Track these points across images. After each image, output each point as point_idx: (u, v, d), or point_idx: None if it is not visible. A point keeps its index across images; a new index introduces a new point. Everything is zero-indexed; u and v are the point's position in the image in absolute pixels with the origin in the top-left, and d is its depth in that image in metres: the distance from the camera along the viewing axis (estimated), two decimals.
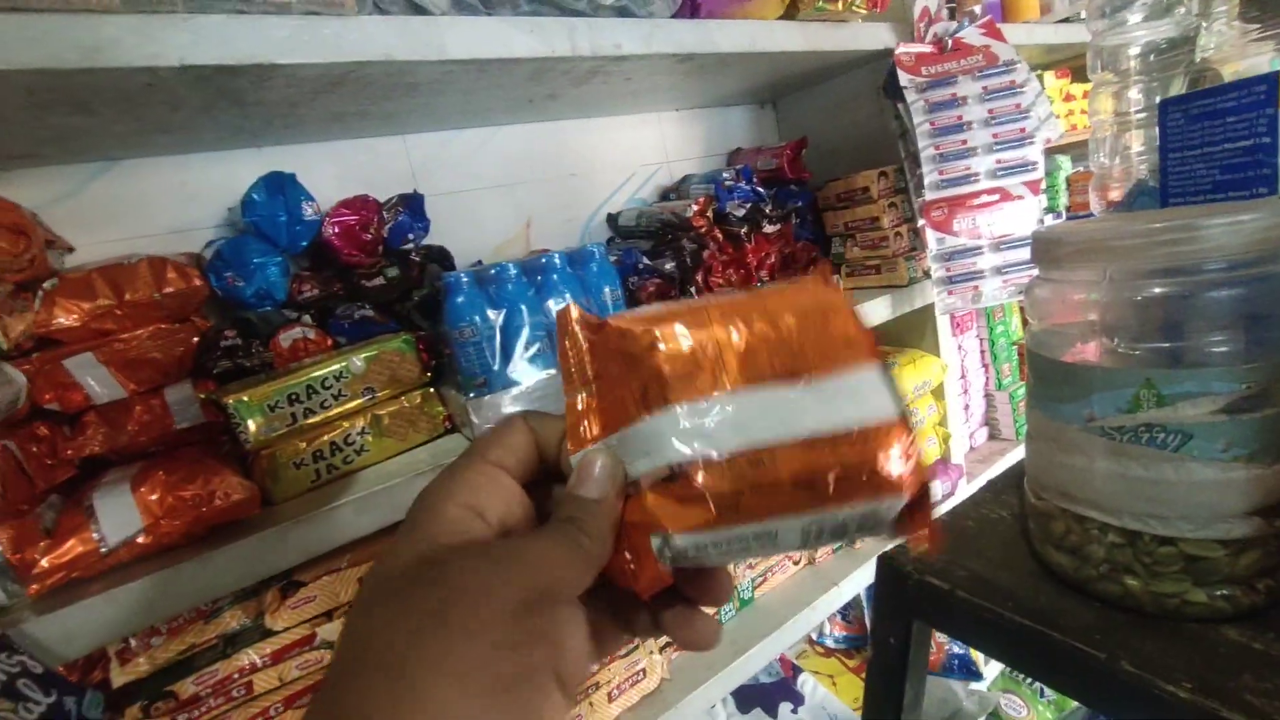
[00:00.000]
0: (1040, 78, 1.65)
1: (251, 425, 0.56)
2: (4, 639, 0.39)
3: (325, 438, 0.60)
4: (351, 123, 0.75)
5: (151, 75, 0.47)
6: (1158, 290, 0.37)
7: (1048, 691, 1.21)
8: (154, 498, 0.51)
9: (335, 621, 0.60)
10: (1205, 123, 0.49)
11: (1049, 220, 1.25)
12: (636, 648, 0.79)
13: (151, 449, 0.60)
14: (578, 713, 0.74)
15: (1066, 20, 1.56)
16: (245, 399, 0.56)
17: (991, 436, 1.40)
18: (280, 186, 0.67)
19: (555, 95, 0.82)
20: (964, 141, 0.93)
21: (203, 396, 0.61)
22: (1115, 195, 0.62)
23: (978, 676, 1.15)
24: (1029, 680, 1.23)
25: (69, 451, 0.56)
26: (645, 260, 0.92)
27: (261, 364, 0.64)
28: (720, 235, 0.96)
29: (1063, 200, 1.78)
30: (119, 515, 0.50)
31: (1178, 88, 0.59)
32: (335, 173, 0.81)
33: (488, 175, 0.93)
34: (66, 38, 0.42)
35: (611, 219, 1.04)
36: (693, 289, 0.92)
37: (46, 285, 0.56)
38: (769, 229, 1.01)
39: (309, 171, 0.75)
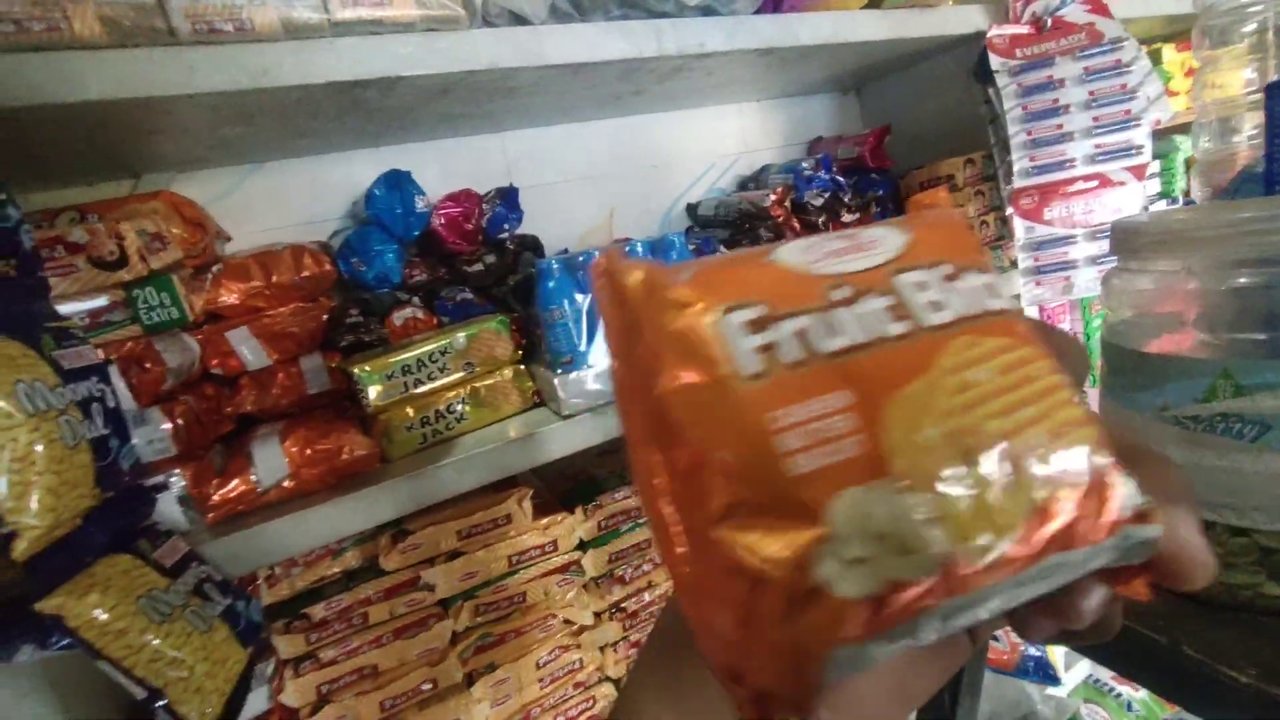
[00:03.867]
0: (1158, 52, 1.53)
1: (372, 392, 0.64)
2: (194, 552, 0.49)
3: (431, 406, 0.68)
4: (456, 123, 0.83)
5: (303, 91, 0.55)
6: (1238, 281, 0.37)
7: (1135, 705, 1.16)
8: (296, 450, 0.60)
9: (437, 567, 0.69)
10: None
11: (1162, 206, 1.17)
12: None
13: (290, 410, 0.71)
14: None
15: None
16: (368, 369, 0.64)
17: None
18: (398, 182, 0.75)
19: (640, 91, 0.87)
20: (1059, 126, 0.89)
21: (331, 365, 0.70)
22: (1220, 181, 0.59)
23: (1055, 681, 1.11)
24: (1114, 691, 1.17)
25: (229, 409, 0.67)
26: (723, 249, 0.95)
27: (378, 339, 0.72)
28: (798, 224, 0.98)
29: (1179, 184, 1.64)
30: (270, 462, 0.59)
31: None
32: (440, 168, 0.89)
33: (575, 168, 0.99)
34: (243, 64, 0.51)
35: (690, 209, 1.07)
36: None
37: (214, 269, 0.66)
38: (847, 218, 1.01)
39: (417, 168, 0.83)
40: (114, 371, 0.51)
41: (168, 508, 0.52)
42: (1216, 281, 0.38)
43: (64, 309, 0.50)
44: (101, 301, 0.51)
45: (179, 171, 0.74)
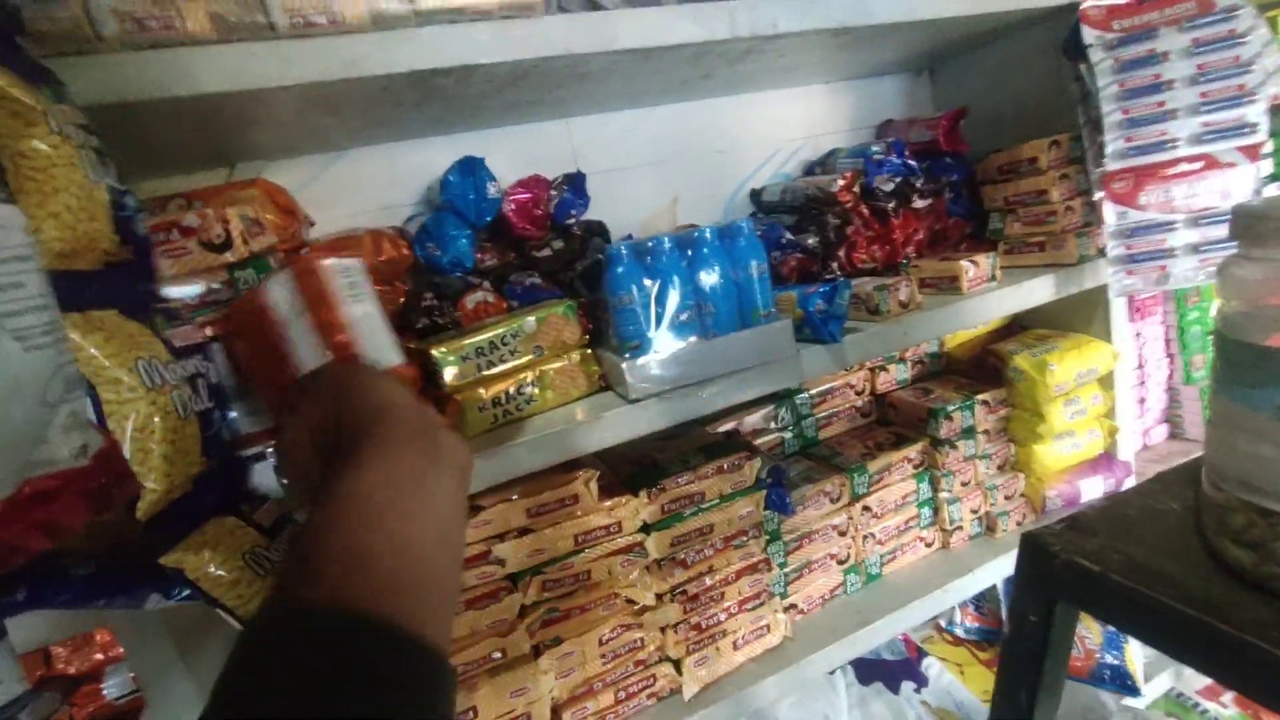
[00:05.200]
0: (1276, 19, 1.40)
1: (449, 373, 0.67)
2: (288, 514, 0.52)
3: (502, 387, 0.69)
4: (525, 110, 0.84)
5: (387, 80, 0.57)
6: None
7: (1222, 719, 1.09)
8: None
9: (506, 542, 0.71)
10: None
11: (1273, 190, 1.07)
12: (763, 604, 0.83)
13: None
14: (705, 654, 0.80)
15: None
16: (445, 350, 0.67)
17: (1173, 435, 1.25)
18: (471, 169, 0.77)
19: (710, 75, 0.86)
20: (1161, 104, 0.83)
21: (409, 346, 0.73)
22: None
23: (1134, 692, 1.06)
24: (1200, 707, 1.11)
25: None
26: (788, 235, 0.93)
27: (451, 322, 0.75)
28: (867, 211, 0.95)
29: None
30: None
31: None
32: (509, 155, 0.91)
33: (640, 154, 0.99)
34: (334, 56, 0.53)
35: (755, 194, 1.06)
36: (835, 264, 0.93)
37: (302, 253, 0.70)
38: (919, 204, 0.98)
39: (487, 154, 0.85)
40: (217, 350, 0.54)
41: (265, 475, 0.55)
42: None
43: (176, 289, 0.54)
44: (207, 282, 0.55)
45: (269, 160, 0.78)
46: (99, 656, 0.87)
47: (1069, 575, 0.47)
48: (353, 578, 0.28)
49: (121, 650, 0.84)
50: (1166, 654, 0.44)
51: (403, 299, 0.75)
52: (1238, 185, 0.82)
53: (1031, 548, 0.50)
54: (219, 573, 0.42)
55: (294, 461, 0.39)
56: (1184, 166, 0.83)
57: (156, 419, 0.42)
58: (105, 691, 0.84)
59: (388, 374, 0.44)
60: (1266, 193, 0.87)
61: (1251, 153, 0.81)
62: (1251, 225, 0.40)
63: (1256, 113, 0.80)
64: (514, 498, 0.71)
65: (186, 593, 0.41)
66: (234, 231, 0.54)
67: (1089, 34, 0.86)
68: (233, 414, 0.57)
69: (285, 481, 0.46)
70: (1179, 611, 0.41)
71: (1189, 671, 1.08)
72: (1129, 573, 0.44)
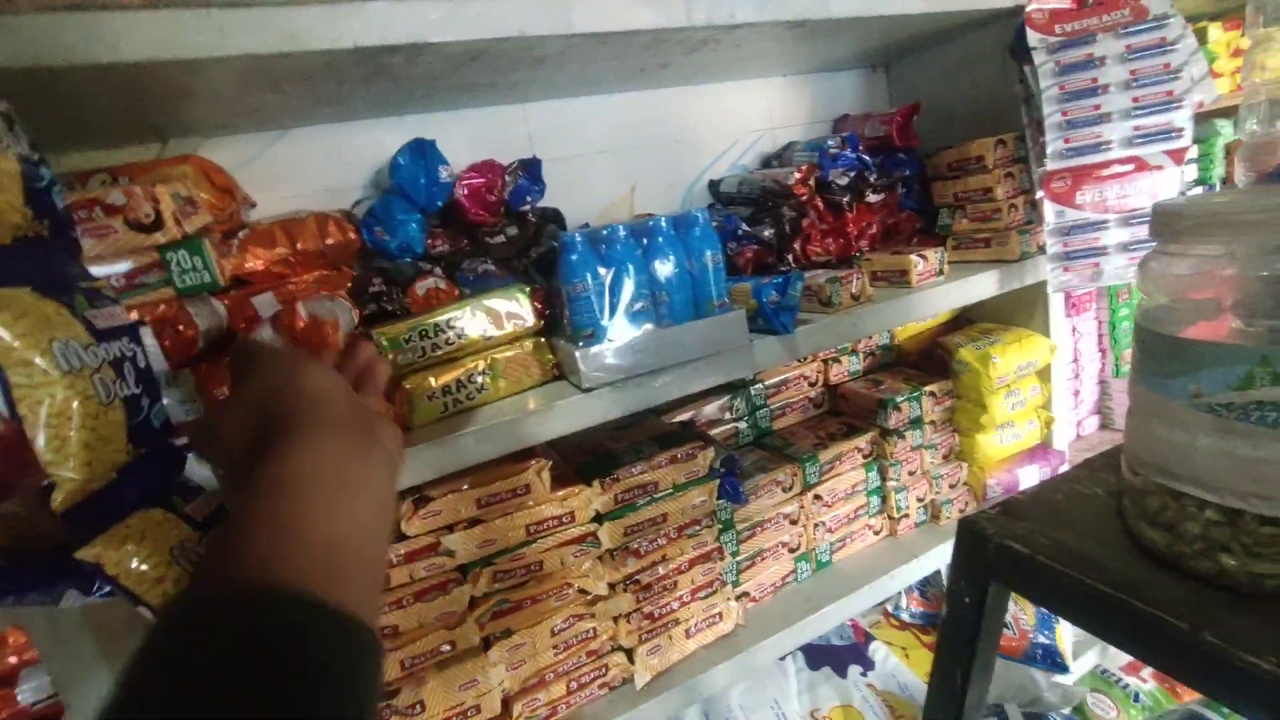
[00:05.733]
0: (1203, 31, 1.48)
1: (391, 357, 0.65)
2: (224, 507, 0.50)
3: (451, 375, 0.68)
4: (480, 93, 0.82)
5: (330, 56, 0.55)
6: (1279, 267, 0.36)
7: (1142, 696, 1.16)
8: None
9: (456, 533, 0.70)
10: None
11: (1199, 193, 1.14)
12: (715, 592, 0.84)
13: None
14: (657, 643, 0.81)
15: None
16: (387, 333, 0.65)
17: (1104, 425, 1.32)
18: (422, 152, 0.75)
19: (667, 64, 0.85)
20: (1097, 107, 0.87)
21: (355, 331, 0.71)
22: (1266, 165, 0.58)
23: (1063, 669, 1.11)
24: (1121, 682, 1.18)
25: None
26: (744, 226, 0.94)
27: (401, 309, 0.73)
28: (821, 204, 0.96)
29: (1218, 170, 1.60)
30: None
31: None
32: (463, 138, 0.88)
33: (598, 141, 0.98)
34: (272, 27, 0.50)
35: (713, 185, 1.06)
36: (790, 256, 0.94)
37: (241, 234, 0.67)
38: (872, 198, 1.00)
39: (441, 137, 0.82)
40: (146, 332, 0.51)
41: (199, 466, 0.53)
42: (1257, 267, 0.37)
43: (100, 270, 0.51)
44: (135, 263, 0.52)
45: (205, 137, 0.74)
46: (13, 660, 0.81)
47: (1001, 559, 0.49)
48: (276, 558, 0.28)
49: (36, 652, 0.79)
50: (1090, 632, 0.46)
51: (350, 284, 0.72)
52: (1164, 187, 0.87)
53: (967, 533, 0.52)
54: (142, 568, 0.40)
55: (220, 438, 0.38)
56: (1116, 168, 0.87)
57: (75, 404, 0.40)
58: (20, 696, 0.78)
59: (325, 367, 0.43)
60: (1191, 195, 0.92)
61: (1178, 157, 0.86)
62: (1169, 223, 0.42)
63: (1183, 118, 0.85)
64: (464, 488, 0.70)
65: (107, 589, 0.39)
66: (165, 210, 0.52)
67: (1033, 36, 0.89)
68: (166, 400, 0.54)
69: (206, 458, 0.46)
70: (1100, 592, 0.43)
71: (1113, 649, 1.14)
72: (1056, 555, 0.46)
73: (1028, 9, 0.89)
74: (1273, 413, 0.37)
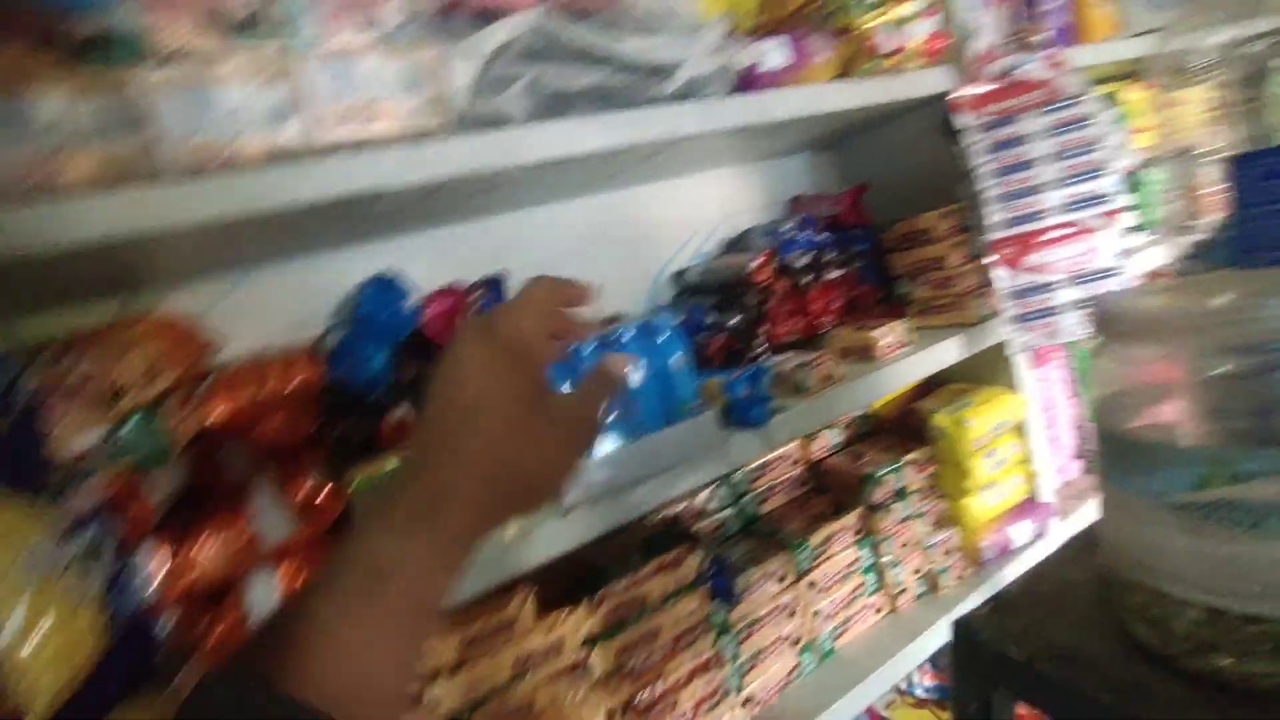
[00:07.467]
0: (1115, 93, 1.58)
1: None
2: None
3: None
4: (441, 217, 0.85)
5: (290, 214, 0.56)
6: (1221, 369, 0.38)
7: None
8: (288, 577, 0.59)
9: (438, 682, 0.66)
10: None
11: (1141, 239, 1.19)
12: (719, 702, 0.81)
13: None
14: None
15: (1148, 32, 1.48)
16: (361, 479, 0.64)
17: (1088, 469, 1.32)
18: (386, 285, 0.76)
19: (620, 174, 0.89)
20: (1028, 180, 0.92)
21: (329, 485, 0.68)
22: (1187, 239, 0.61)
23: None
24: None
25: None
26: (711, 316, 0.96)
27: (369, 442, 0.72)
28: (785, 286, 0.99)
29: (1157, 214, 1.67)
30: (264, 594, 0.58)
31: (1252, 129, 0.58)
32: (427, 260, 0.90)
33: (560, 247, 1.01)
34: (229, 195, 0.52)
35: (678, 276, 1.09)
36: (758, 341, 0.95)
37: (205, 383, 0.66)
38: (833, 274, 1.03)
39: (405, 261, 0.84)
40: (107, 516, 0.50)
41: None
42: (1200, 369, 0.39)
43: (62, 451, 0.50)
44: (94, 439, 0.51)
45: (168, 288, 0.75)
46: None
47: (999, 667, 0.48)
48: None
49: None
50: None
51: (317, 421, 0.72)
52: (1104, 244, 0.91)
53: (962, 639, 0.50)
54: None
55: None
56: (1056, 233, 0.91)
57: (45, 621, 0.38)
58: None
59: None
60: (1128, 241, 0.96)
61: (1112, 216, 0.90)
62: (1109, 322, 0.44)
63: (1109, 184, 0.90)
64: (444, 631, 0.67)
65: None
66: (125, 384, 0.51)
67: (964, 118, 0.95)
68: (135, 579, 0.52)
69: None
70: (1101, 701, 0.42)
71: None
72: (1052, 659, 0.45)
73: (951, 96, 0.95)
74: (1234, 512, 0.37)
